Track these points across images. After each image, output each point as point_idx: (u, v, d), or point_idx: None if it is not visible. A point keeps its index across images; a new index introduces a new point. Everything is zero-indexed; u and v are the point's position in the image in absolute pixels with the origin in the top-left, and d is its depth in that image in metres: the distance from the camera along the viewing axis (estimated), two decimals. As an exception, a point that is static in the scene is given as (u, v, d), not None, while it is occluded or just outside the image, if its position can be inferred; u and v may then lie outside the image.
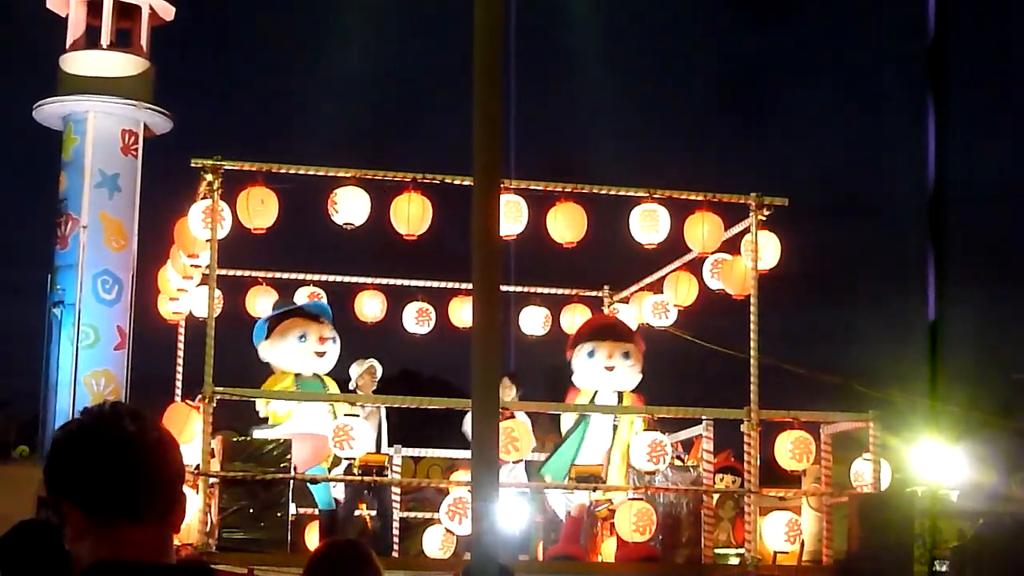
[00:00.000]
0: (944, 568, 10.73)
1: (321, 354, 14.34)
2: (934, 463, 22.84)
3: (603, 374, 14.69)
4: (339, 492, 14.73)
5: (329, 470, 14.11)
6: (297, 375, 14.35)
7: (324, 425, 13.89)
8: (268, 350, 14.46)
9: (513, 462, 14.06)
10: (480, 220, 7.09)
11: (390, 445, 14.95)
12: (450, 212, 14.38)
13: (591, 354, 14.73)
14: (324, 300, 16.61)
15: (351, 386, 15.05)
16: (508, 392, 15.02)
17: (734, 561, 14.37)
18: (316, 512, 14.66)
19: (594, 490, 14.16)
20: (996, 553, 4.07)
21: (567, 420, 14.75)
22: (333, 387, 14.51)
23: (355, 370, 15.05)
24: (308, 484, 13.97)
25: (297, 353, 14.34)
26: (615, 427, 14.54)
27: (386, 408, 14.99)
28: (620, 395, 14.70)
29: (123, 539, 2.98)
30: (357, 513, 15.63)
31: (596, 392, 14.73)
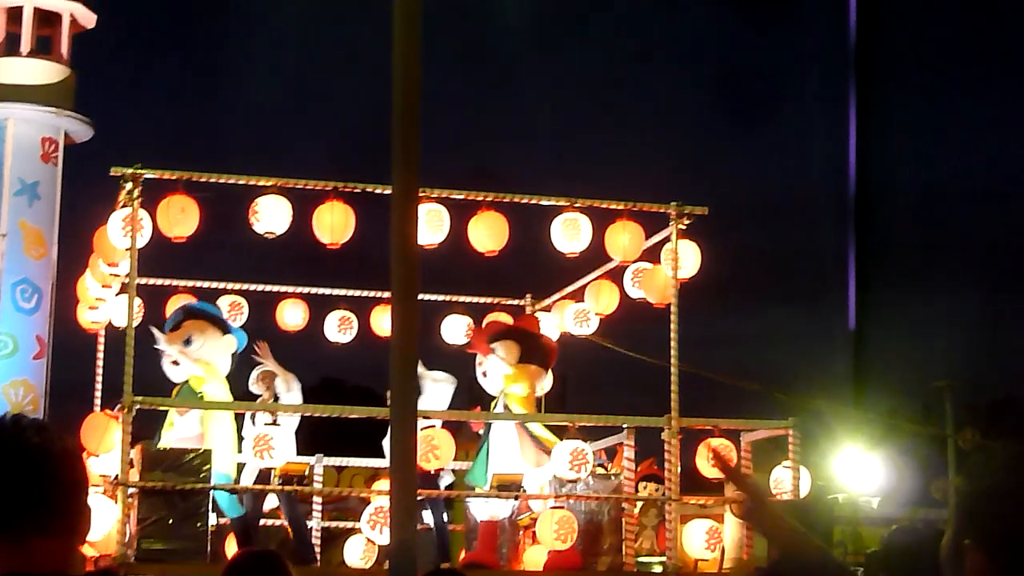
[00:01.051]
0: (859, 574, 10.82)
1: (175, 363, 14.20)
2: (855, 470, 23.07)
3: (483, 380, 14.78)
4: (270, 502, 14.65)
5: (236, 479, 14.02)
6: (177, 386, 14.25)
7: (192, 428, 13.81)
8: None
9: (434, 471, 14.03)
10: (398, 229, 7.10)
11: (302, 454, 14.84)
12: (373, 221, 14.37)
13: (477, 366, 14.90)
14: (245, 308, 16.55)
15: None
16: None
17: (658, 569, 14.42)
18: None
19: (516, 499, 14.17)
20: (907, 560, 4.12)
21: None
22: (203, 383, 14.24)
23: (252, 376, 14.89)
24: (212, 493, 13.81)
25: (164, 368, 14.26)
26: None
27: (304, 417, 14.87)
28: (505, 396, 14.65)
29: (30, 552, 2.95)
30: (277, 523, 15.58)
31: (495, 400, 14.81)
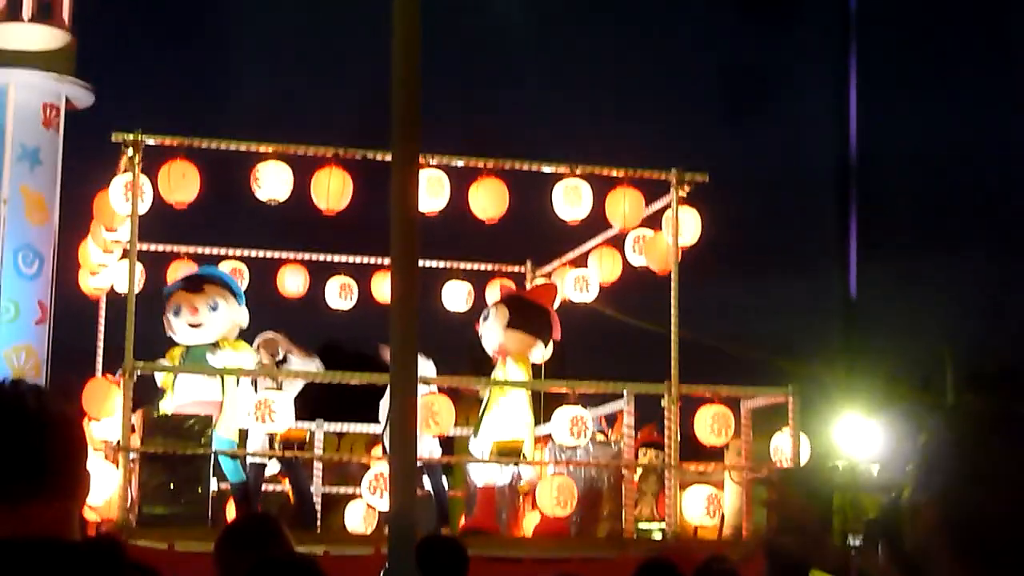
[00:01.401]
0: (857, 542, 10.83)
1: (196, 325, 14.24)
2: (855, 437, 23.06)
3: (482, 341, 14.85)
4: (272, 467, 14.69)
5: (240, 443, 14.06)
6: (187, 347, 14.28)
7: (210, 391, 13.84)
8: (165, 325, 14.41)
9: (433, 436, 14.07)
10: (398, 195, 7.10)
11: (302, 420, 14.88)
12: (374, 187, 14.37)
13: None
14: (245, 274, 16.59)
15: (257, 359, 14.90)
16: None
17: (657, 536, 14.47)
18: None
19: (516, 464, 14.21)
20: (907, 526, 4.13)
21: None
22: (236, 348, 14.29)
23: (255, 343, 14.91)
24: (217, 457, 13.85)
25: (176, 327, 14.29)
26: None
27: (307, 383, 14.90)
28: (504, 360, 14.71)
29: (27, 516, 2.95)
30: (279, 488, 15.63)
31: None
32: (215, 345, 14.17)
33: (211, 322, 14.27)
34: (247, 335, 14.69)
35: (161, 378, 14.13)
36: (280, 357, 14.79)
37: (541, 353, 14.88)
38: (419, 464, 14.31)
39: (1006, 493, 2.58)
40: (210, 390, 13.88)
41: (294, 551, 5.39)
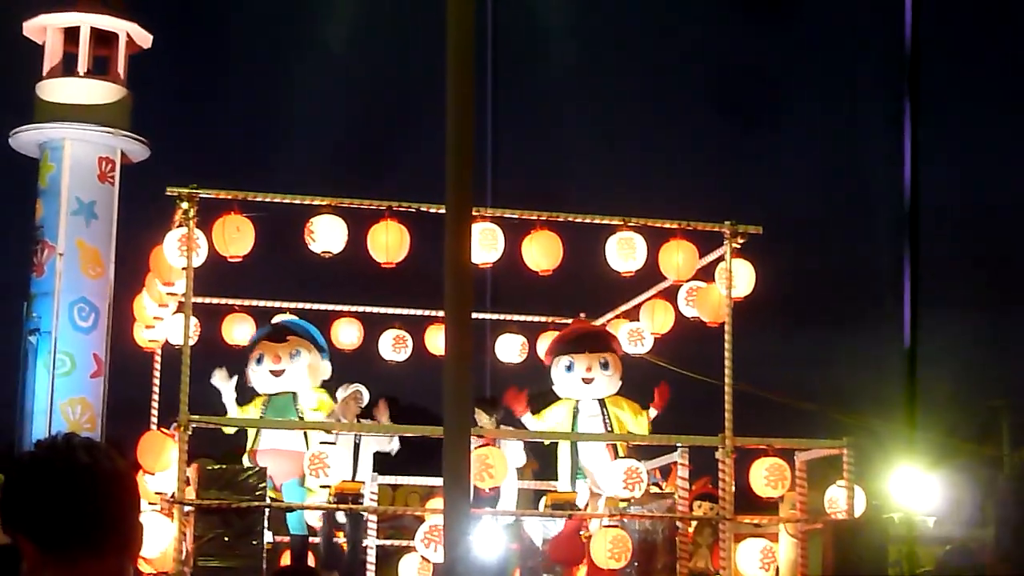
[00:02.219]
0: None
1: (278, 373, 14.41)
2: (911, 490, 22.92)
3: (582, 386, 14.91)
4: (315, 519, 14.75)
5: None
6: (269, 396, 14.44)
7: (294, 441, 13.98)
8: (247, 375, 14.63)
9: (488, 489, 14.05)
10: (452, 248, 7.12)
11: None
12: (428, 239, 14.41)
13: (569, 367, 15.05)
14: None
15: (335, 411, 15.04)
16: (483, 419, 15.08)
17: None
18: (289, 539, 14.65)
19: (569, 517, 14.18)
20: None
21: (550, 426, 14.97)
22: (313, 399, 14.50)
23: (340, 395, 15.07)
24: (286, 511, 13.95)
25: (258, 376, 14.47)
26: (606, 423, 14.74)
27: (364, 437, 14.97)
28: (601, 402, 14.85)
29: (80, 572, 2.97)
30: (335, 541, 15.63)
31: (578, 401, 14.94)
32: (294, 396, 14.35)
33: (292, 370, 14.45)
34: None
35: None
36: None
37: None
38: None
39: None
40: (293, 440, 14.02)
41: None
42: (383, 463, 15.60)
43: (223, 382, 14.59)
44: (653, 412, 15.01)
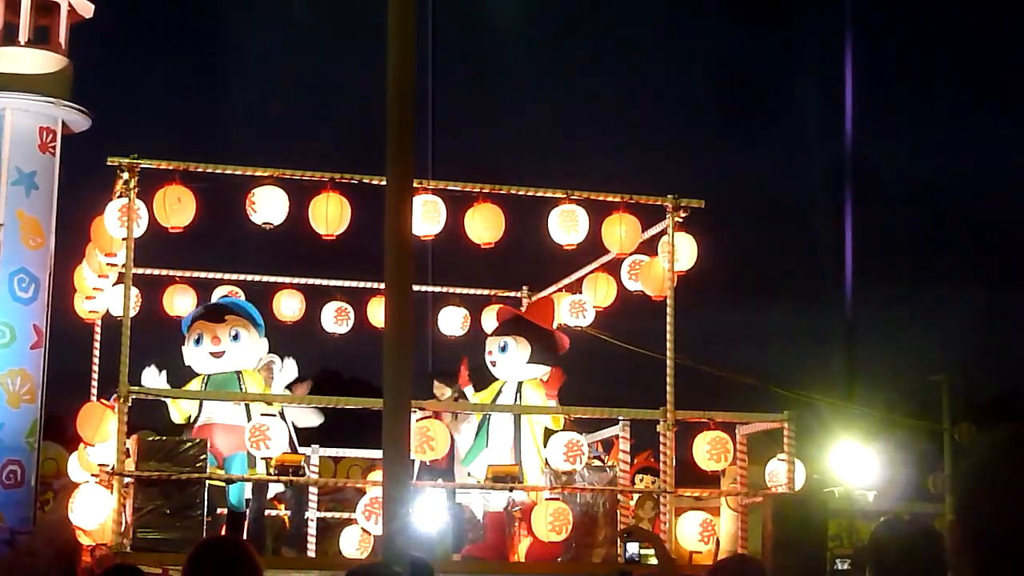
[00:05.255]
0: (845, 567, 10.87)
1: (217, 354, 14.25)
2: (850, 464, 23.05)
3: (493, 368, 14.89)
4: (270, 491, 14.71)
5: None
6: (208, 375, 14.33)
7: (236, 415, 13.88)
8: (185, 354, 14.48)
9: (430, 462, 14.05)
10: (393, 219, 7.11)
11: (301, 446, 14.95)
12: (371, 212, 14.37)
13: (486, 349, 15.03)
14: (241, 298, 16.60)
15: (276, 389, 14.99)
16: (445, 392, 15.10)
17: (652, 561, 14.41)
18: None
19: (511, 490, 14.19)
20: (894, 552, 4.12)
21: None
22: (258, 382, 14.41)
23: (280, 376, 15.01)
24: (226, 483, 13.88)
25: (196, 356, 14.33)
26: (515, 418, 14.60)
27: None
28: (519, 385, 14.74)
29: None
30: (274, 513, 15.61)
31: (504, 382, 14.87)
32: (238, 376, 14.22)
33: (233, 351, 14.29)
34: None
35: (185, 407, 14.16)
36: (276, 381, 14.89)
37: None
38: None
39: (1004, 502, 2.59)
40: (235, 415, 13.92)
41: (261, 572, 5.37)
42: (315, 437, 15.58)
43: (154, 382, 14.38)
44: (551, 402, 14.86)
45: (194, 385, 14.40)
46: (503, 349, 14.81)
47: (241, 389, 14.24)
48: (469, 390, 15.05)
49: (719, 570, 7.43)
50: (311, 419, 15.14)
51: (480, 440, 14.53)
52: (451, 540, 14.47)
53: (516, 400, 14.72)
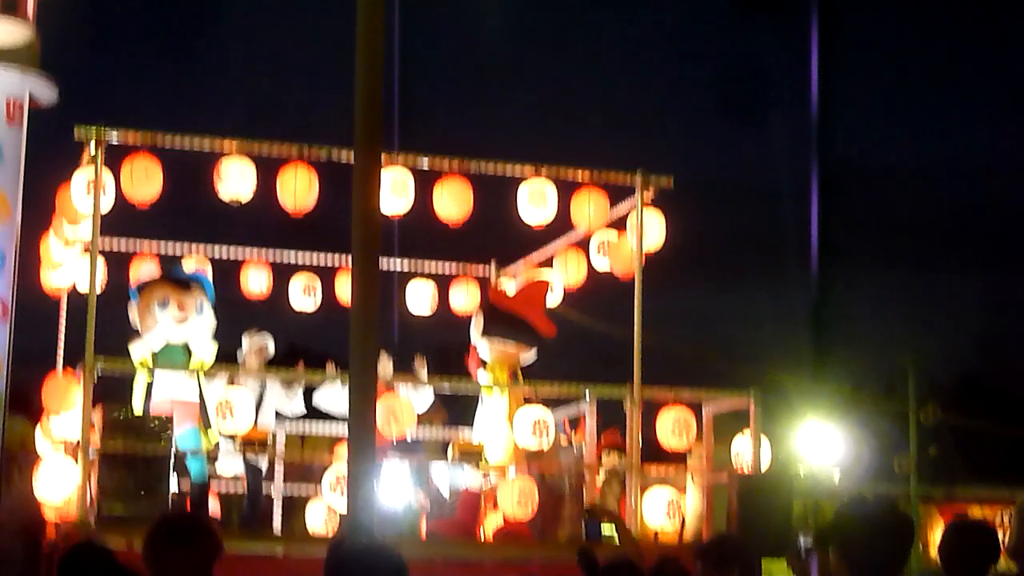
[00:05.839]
0: (809, 543, 10.92)
1: (181, 321, 14.03)
2: (816, 443, 23.10)
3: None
4: (236, 467, 14.64)
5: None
6: (164, 343, 14.14)
7: (188, 391, 13.75)
8: (135, 317, 14.17)
9: (395, 439, 14.03)
10: (360, 194, 7.08)
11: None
12: (339, 187, 14.31)
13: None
14: (208, 273, 16.53)
15: (240, 359, 14.90)
16: (422, 370, 15.08)
17: (618, 540, 14.42)
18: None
19: (476, 466, 14.19)
20: (856, 532, 4.14)
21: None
22: (211, 351, 14.28)
23: (247, 343, 14.87)
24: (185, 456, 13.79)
25: (159, 319, 14.05)
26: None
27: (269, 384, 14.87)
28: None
29: None
30: (240, 490, 15.57)
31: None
32: (187, 351, 14.04)
33: (195, 323, 14.11)
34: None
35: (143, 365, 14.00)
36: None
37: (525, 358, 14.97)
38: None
39: None
40: (188, 390, 13.80)
41: (221, 547, 5.36)
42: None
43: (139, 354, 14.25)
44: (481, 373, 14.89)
45: (142, 350, 14.10)
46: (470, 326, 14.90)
47: (188, 362, 14.03)
48: (482, 373, 14.94)
49: (706, 552, 7.47)
50: (291, 405, 14.99)
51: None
52: (419, 513, 14.44)
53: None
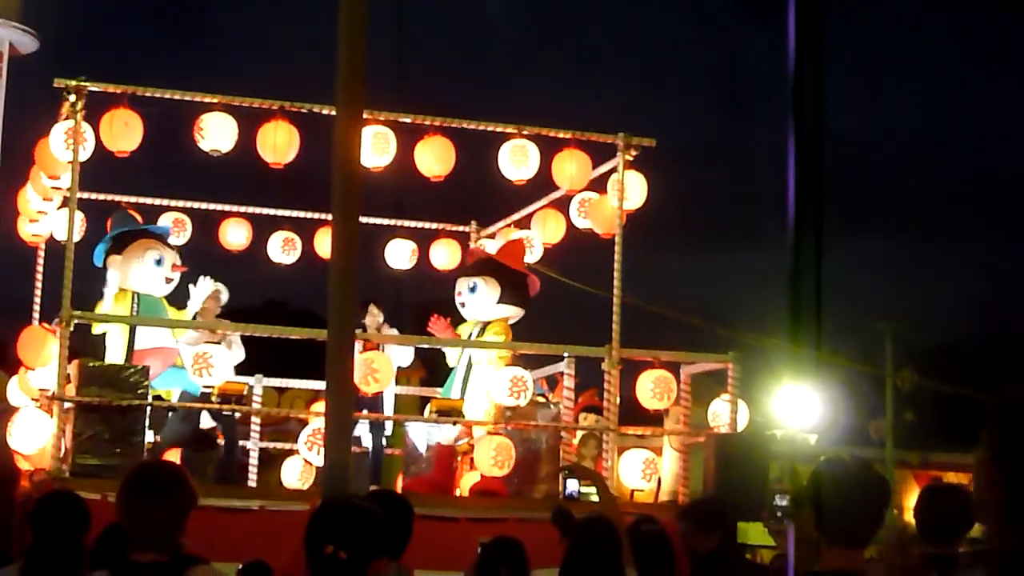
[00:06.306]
0: (784, 503, 10.93)
1: (170, 280, 14.17)
2: (793, 406, 23.13)
3: (463, 310, 14.89)
4: (205, 421, 14.61)
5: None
6: (138, 295, 14.12)
7: (166, 338, 13.78)
8: (118, 267, 14.14)
9: (372, 394, 14.02)
10: (341, 149, 7.03)
11: (244, 374, 14.86)
12: (320, 141, 14.25)
13: (455, 290, 15.02)
14: (188, 226, 16.52)
15: (193, 308, 14.68)
16: (374, 319, 15.00)
17: (594, 499, 14.43)
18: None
19: (454, 424, 14.18)
20: (830, 491, 4.15)
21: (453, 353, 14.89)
22: (171, 311, 14.30)
23: (197, 293, 14.65)
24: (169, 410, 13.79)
25: (150, 275, 14.08)
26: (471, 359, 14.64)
27: (247, 337, 14.81)
28: (483, 326, 14.76)
29: None
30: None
31: (475, 323, 14.92)
32: (162, 302, 14.11)
33: (174, 282, 14.24)
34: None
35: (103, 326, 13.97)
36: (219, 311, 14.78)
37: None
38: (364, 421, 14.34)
39: None
40: (168, 337, 13.85)
41: (196, 499, 5.33)
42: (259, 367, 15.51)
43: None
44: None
45: (122, 305, 14.10)
46: (472, 290, 14.79)
47: (165, 313, 14.11)
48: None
49: (689, 512, 7.48)
50: (232, 350, 14.92)
51: (451, 379, 14.65)
52: (368, 474, 14.44)
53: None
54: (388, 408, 15.04)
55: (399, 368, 14.84)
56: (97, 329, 13.96)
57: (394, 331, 15.17)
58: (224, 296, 14.81)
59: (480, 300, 14.71)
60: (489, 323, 14.75)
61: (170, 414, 13.86)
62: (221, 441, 14.70)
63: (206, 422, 14.50)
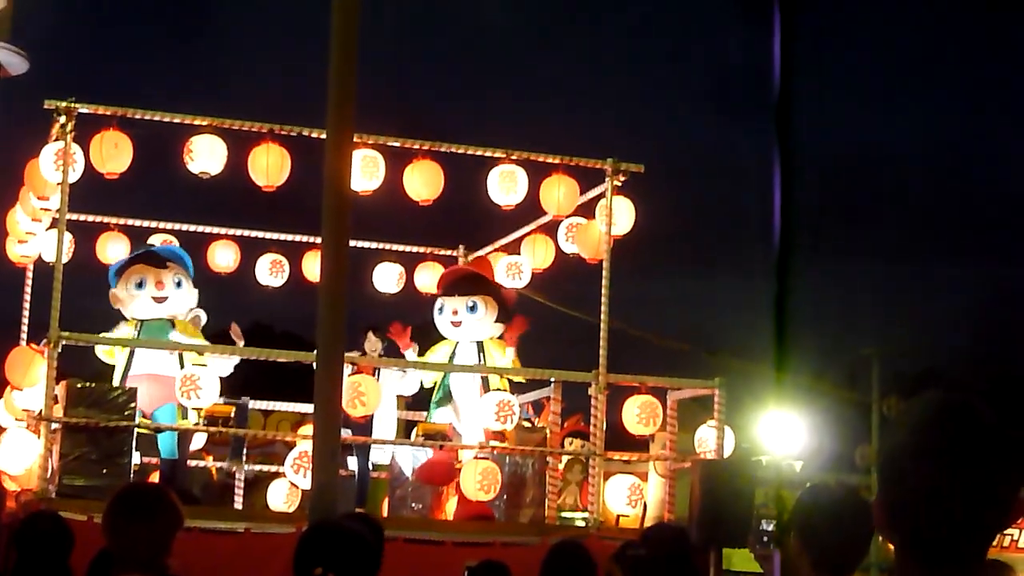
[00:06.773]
0: (770, 527, 10.98)
1: (160, 299, 14.19)
2: (779, 433, 23.20)
3: (453, 329, 14.93)
4: (196, 443, 14.62)
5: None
6: (142, 321, 14.21)
7: (169, 366, 13.79)
8: (116, 298, 14.34)
9: (358, 417, 14.01)
10: (331, 173, 7.08)
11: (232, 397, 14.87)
12: (309, 165, 14.29)
13: (441, 310, 15.07)
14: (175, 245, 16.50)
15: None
16: (373, 346, 15.03)
17: (580, 524, 14.47)
18: (159, 461, 14.50)
19: (440, 447, 14.20)
20: (816, 518, 4.16)
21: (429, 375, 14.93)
22: (188, 329, 14.32)
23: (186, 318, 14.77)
24: (155, 432, 13.81)
25: (137, 300, 14.19)
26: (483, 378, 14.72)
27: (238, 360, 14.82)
28: (479, 345, 14.82)
29: None
30: (202, 464, 15.55)
31: (457, 342, 14.95)
32: (171, 324, 14.13)
33: (175, 298, 14.25)
34: None
35: (110, 352, 14.02)
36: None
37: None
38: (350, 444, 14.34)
39: (930, 469, 2.59)
40: (167, 365, 13.82)
41: (182, 520, 5.35)
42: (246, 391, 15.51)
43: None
44: (510, 351, 14.95)
45: (124, 330, 14.26)
46: (472, 309, 14.87)
47: (173, 335, 14.17)
48: (411, 353, 14.98)
49: (645, 538, 7.48)
50: (229, 369, 14.95)
51: (440, 399, 14.64)
52: (353, 497, 14.45)
53: (480, 359, 14.85)
54: (390, 432, 15.01)
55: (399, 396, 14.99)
56: (106, 358, 14.07)
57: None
58: (203, 320, 14.86)
59: (480, 319, 14.82)
60: (482, 343, 14.86)
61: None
62: (211, 462, 14.72)
63: (196, 444, 14.54)
